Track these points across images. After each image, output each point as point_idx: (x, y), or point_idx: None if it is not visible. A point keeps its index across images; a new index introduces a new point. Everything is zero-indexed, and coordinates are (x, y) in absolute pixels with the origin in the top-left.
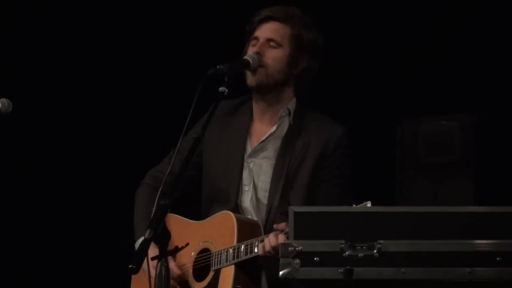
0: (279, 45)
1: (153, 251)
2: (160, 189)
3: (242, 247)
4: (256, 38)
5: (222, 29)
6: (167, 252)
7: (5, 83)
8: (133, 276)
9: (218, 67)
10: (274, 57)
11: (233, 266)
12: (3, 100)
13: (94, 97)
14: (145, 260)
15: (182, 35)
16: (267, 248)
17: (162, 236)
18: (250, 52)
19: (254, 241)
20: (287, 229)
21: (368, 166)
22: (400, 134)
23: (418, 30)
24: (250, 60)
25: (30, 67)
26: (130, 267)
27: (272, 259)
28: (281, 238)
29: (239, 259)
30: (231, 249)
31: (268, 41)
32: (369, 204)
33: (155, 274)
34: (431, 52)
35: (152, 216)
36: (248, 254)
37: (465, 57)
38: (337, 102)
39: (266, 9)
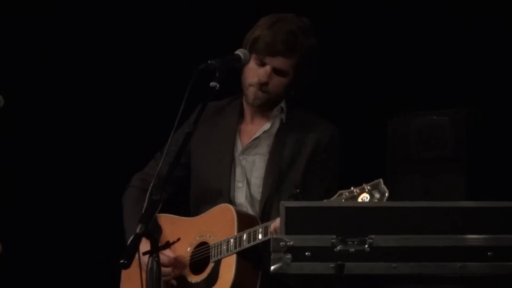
0: (285, 74)
1: (145, 246)
2: (151, 185)
3: (245, 235)
4: (263, 63)
5: (213, 24)
6: (158, 247)
7: None
8: (123, 273)
9: (209, 62)
10: (278, 84)
11: (235, 255)
12: None
13: (82, 92)
14: (137, 255)
15: (173, 31)
16: (277, 225)
17: (153, 231)
18: (256, 73)
19: (257, 228)
20: None
21: (359, 161)
22: (391, 129)
23: (408, 25)
24: (241, 55)
25: (23, 62)
26: (122, 262)
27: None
28: None
29: (242, 248)
30: (232, 239)
31: (275, 70)
32: (381, 181)
33: (147, 269)
34: (422, 47)
35: (143, 211)
36: (252, 242)
37: (456, 52)
38: (328, 98)
39: (272, 35)
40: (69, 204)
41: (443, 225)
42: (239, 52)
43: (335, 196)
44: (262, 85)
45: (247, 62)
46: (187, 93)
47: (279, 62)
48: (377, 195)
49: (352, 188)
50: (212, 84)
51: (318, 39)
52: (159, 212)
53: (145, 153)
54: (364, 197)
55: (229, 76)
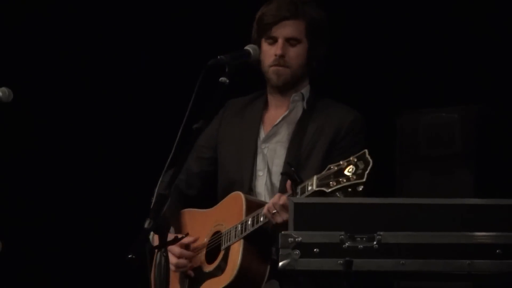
0: (298, 41)
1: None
2: (159, 181)
3: (249, 220)
4: (273, 38)
5: (222, 19)
6: (167, 242)
7: (6, 72)
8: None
9: (219, 57)
10: (297, 55)
11: (241, 241)
12: (4, 89)
13: (93, 88)
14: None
15: (181, 27)
16: (269, 204)
17: (161, 226)
18: (271, 52)
19: (260, 211)
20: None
21: None
22: (400, 126)
23: (418, 22)
24: (251, 51)
25: (32, 56)
26: (130, 257)
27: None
28: (283, 198)
29: (247, 232)
30: (239, 225)
31: (288, 40)
32: (366, 151)
33: (154, 263)
34: (432, 44)
35: (151, 206)
36: (255, 225)
37: (465, 48)
38: (338, 93)
39: (273, 8)
40: (75, 201)
41: (452, 222)
42: (249, 47)
43: (325, 170)
44: (280, 59)
45: (257, 57)
46: (196, 88)
47: (288, 29)
48: (361, 166)
49: (340, 161)
50: (222, 79)
51: (321, 9)
52: (186, 208)
53: (155, 150)
54: (350, 168)
55: (239, 71)
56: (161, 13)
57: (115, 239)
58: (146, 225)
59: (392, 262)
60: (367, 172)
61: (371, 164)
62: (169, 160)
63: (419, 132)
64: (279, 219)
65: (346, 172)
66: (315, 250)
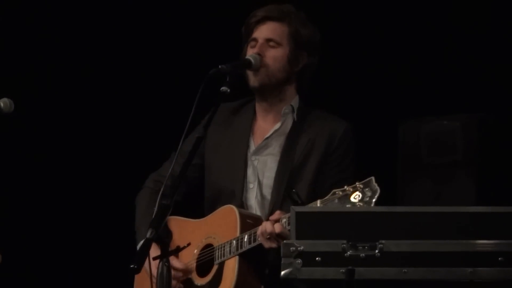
0: (278, 44)
1: (155, 251)
2: (161, 190)
3: (246, 237)
4: (255, 40)
5: (223, 29)
6: (168, 252)
7: (7, 82)
8: (136, 277)
9: (220, 67)
10: (274, 56)
11: (236, 257)
12: (5, 99)
13: (95, 97)
14: (147, 260)
15: (183, 36)
16: (259, 232)
17: (163, 236)
18: (250, 54)
19: (257, 229)
20: (284, 219)
21: (370, 165)
22: (402, 134)
23: (421, 29)
24: (252, 60)
25: (32, 67)
26: (132, 267)
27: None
28: (278, 226)
29: (243, 249)
30: (234, 241)
31: (267, 41)
32: (373, 179)
33: (157, 273)
34: (434, 52)
35: (153, 216)
36: (252, 243)
37: (467, 56)
38: (339, 101)
39: (261, 10)
40: (79, 208)
41: (454, 230)
42: (250, 57)
43: (329, 195)
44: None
45: (258, 66)
46: (197, 97)
47: (269, 30)
48: (368, 193)
49: (345, 186)
50: (223, 88)
51: (313, 23)
52: (171, 214)
53: (157, 156)
54: (356, 195)
55: (240, 80)
56: (164, 21)
57: (116, 247)
58: (148, 235)
59: (394, 270)
60: (374, 200)
61: (378, 192)
62: (171, 168)
63: (421, 140)
64: (273, 245)
65: (352, 199)
66: (317, 259)
